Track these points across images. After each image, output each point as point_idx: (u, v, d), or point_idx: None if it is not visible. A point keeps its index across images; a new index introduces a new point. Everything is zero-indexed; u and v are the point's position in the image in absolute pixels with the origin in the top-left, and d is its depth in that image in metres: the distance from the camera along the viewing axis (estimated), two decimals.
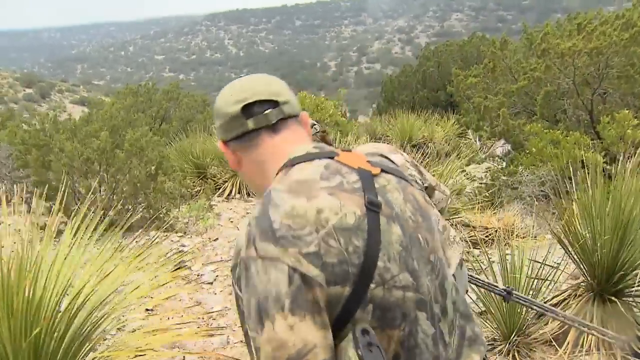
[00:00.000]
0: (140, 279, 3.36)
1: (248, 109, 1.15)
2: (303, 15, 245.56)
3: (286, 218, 0.99)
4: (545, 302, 3.63)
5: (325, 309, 0.96)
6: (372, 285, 0.98)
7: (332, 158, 1.11)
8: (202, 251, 5.98)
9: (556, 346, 3.39)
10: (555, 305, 3.57)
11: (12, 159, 6.89)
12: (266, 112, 1.15)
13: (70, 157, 6.58)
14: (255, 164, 1.18)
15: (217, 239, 6.45)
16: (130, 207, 7.08)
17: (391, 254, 1.02)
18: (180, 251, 5.94)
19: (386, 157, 1.23)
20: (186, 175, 9.71)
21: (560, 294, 3.73)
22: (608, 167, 5.17)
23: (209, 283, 5.06)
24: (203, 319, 4.40)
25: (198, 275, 5.25)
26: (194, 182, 9.57)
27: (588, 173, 3.59)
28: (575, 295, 3.57)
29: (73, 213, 6.13)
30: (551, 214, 6.12)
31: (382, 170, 1.13)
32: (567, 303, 3.55)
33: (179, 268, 5.44)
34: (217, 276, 5.19)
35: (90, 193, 6.38)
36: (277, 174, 1.13)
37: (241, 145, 1.18)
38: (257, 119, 1.15)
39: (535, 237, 5.72)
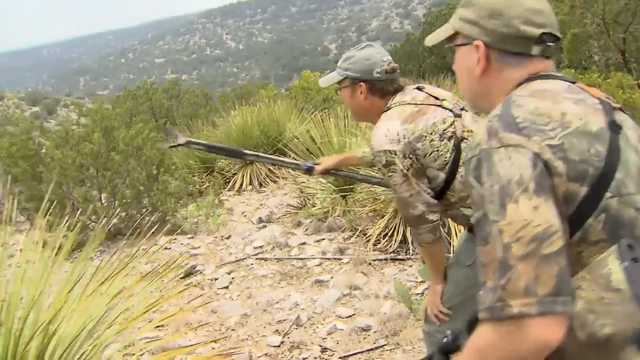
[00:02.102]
0: (135, 296, 2.78)
1: (542, 36, 1.12)
2: (298, 1, 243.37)
3: (530, 114, 1.01)
4: None
5: (562, 203, 0.95)
6: (608, 194, 0.97)
7: (573, 83, 1.12)
8: (214, 252, 5.41)
9: None
10: None
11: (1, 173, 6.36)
12: (550, 44, 1.14)
13: (62, 166, 6.04)
14: (504, 81, 1.15)
15: (229, 236, 5.88)
16: (134, 211, 6.53)
17: (629, 172, 1.01)
18: (190, 254, 5.38)
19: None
20: (193, 172, 9.18)
21: None
22: None
23: (224, 287, 4.49)
24: (220, 330, 3.83)
25: (212, 280, 4.68)
26: (201, 178, 9.04)
27: None
28: None
29: (64, 224, 5.56)
30: None
31: (621, 109, 1.12)
32: None
33: (189, 274, 4.89)
34: (232, 279, 4.61)
35: (85, 201, 5.85)
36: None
37: (509, 60, 1.15)
38: (543, 49, 1.13)
39: None
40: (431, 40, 1.38)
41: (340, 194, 5.70)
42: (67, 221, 6.04)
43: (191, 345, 3.51)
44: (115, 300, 2.87)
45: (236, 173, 8.91)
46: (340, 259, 4.61)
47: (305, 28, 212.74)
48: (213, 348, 3.61)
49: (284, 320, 3.77)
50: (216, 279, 4.66)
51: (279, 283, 4.41)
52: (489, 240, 0.94)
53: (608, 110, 1.06)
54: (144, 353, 3.57)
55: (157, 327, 4.02)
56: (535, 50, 1.13)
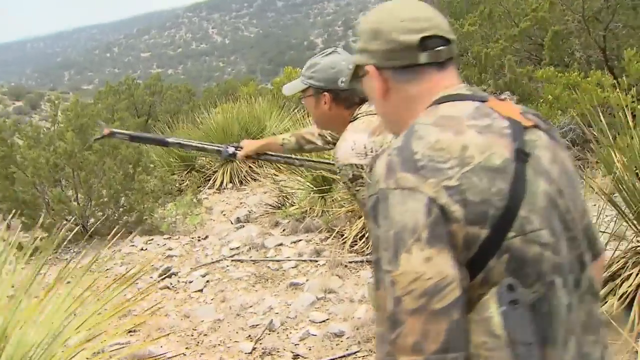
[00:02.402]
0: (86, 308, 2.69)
1: (425, 41, 1.07)
2: None
3: (429, 150, 0.95)
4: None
5: (461, 249, 0.91)
6: (511, 233, 0.92)
7: (483, 102, 1.06)
8: (190, 253, 5.33)
9: (618, 328, 2.73)
10: (612, 277, 2.91)
11: None
12: (439, 48, 1.08)
13: (35, 166, 5.91)
14: (406, 99, 1.11)
15: (207, 237, 5.79)
16: (111, 211, 6.42)
17: (535, 206, 0.96)
18: (166, 256, 5.29)
19: (540, 117, 1.12)
20: (173, 170, 9.07)
21: (612, 262, 3.07)
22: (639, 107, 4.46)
23: (198, 291, 4.41)
24: (192, 336, 3.75)
25: (186, 283, 4.60)
26: (181, 176, 8.94)
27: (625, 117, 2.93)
28: (635, 263, 2.90)
29: (38, 226, 5.44)
30: (577, 167, 5.44)
31: (535, 126, 1.06)
32: (627, 273, 2.88)
33: (164, 276, 4.80)
34: (207, 282, 4.53)
35: (59, 202, 5.73)
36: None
37: (401, 76, 1.10)
38: (431, 54, 1.08)
39: None
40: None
41: (319, 194, 5.63)
42: (41, 222, 5.94)
43: (161, 355, 3.41)
44: (86, 303, 2.79)
45: (216, 171, 8.82)
46: (317, 261, 4.55)
47: (291, 22, 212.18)
48: (184, 355, 3.54)
49: (257, 325, 3.70)
50: (191, 282, 4.57)
51: (253, 286, 4.34)
52: (382, 288, 0.92)
53: (518, 133, 1.00)
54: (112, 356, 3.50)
55: (129, 331, 3.94)
56: (423, 57, 1.07)
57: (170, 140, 2.61)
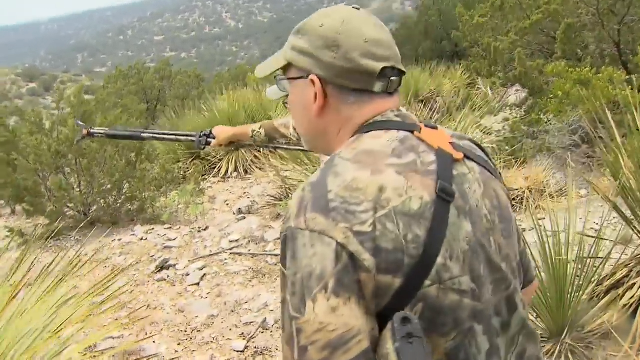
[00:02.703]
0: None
1: (383, 71, 1.00)
2: None
3: (343, 190, 0.88)
4: (601, 282, 2.88)
5: (372, 298, 0.84)
6: (427, 282, 0.86)
7: (412, 132, 0.99)
8: (189, 245, 5.27)
9: (619, 339, 2.63)
10: (616, 285, 2.81)
11: None
12: (393, 79, 1.02)
13: (36, 153, 5.86)
14: (340, 120, 1.04)
15: (207, 228, 5.73)
16: (112, 200, 6.37)
17: (455, 252, 0.89)
18: (165, 247, 5.24)
19: (476, 144, 1.11)
20: (178, 157, 9.01)
21: (616, 269, 2.96)
22: None
23: (195, 284, 4.35)
24: (186, 331, 3.70)
25: (183, 276, 4.54)
26: (186, 164, 8.88)
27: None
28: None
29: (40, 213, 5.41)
30: (585, 166, 5.31)
31: (466, 157, 1.00)
32: (631, 282, 2.77)
33: (161, 268, 4.75)
34: (204, 275, 4.47)
35: (60, 189, 5.69)
36: (351, 136, 1.03)
37: (347, 97, 1.02)
38: (385, 84, 1.01)
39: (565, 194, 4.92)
40: (262, 71, 1.18)
41: None
42: (42, 210, 5.90)
43: (153, 355, 3.36)
44: (80, 294, 2.74)
45: (222, 159, 8.76)
46: None
47: (305, 7, 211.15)
48: (176, 351, 3.48)
49: (251, 322, 3.64)
50: (188, 275, 4.51)
51: (250, 281, 4.28)
52: (286, 331, 0.86)
53: (443, 169, 0.93)
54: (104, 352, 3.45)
55: (123, 325, 3.90)
56: (378, 86, 1.01)
57: (144, 134, 2.53)
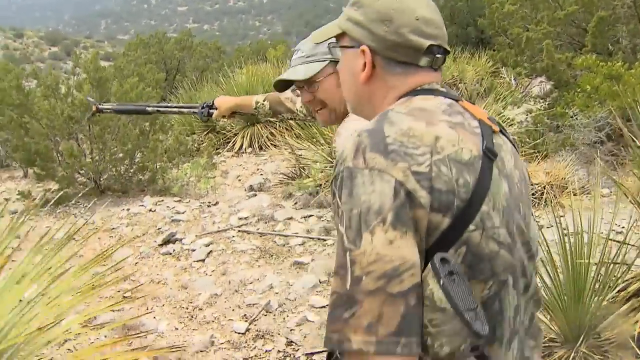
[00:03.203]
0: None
1: (430, 48, 1.05)
2: None
3: (401, 136, 0.93)
4: (624, 288, 2.74)
5: (424, 235, 0.90)
6: (472, 227, 0.92)
7: (457, 101, 1.06)
8: (198, 219, 5.18)
9: (637, 350, 2.50)
10: (637, 293, 2.67)
11: None
12: (439, 56, 1.07)
13: (49, 117, 5.78)
14: (386, 88, 1.09)
15: (217, 203, 5.64)
16: (124, 168, 6.30)
17: (496, 205, 0.96)
18: (173, 220, 5.16)
19: (502, 127, 1.13)
20: (194, 129, 8.92)
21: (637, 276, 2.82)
22: None
23: (200, 260, 4.27)
24: (187, 309, 3.62)
25: (189, 251, 4.46)
26: (201, 137, 8.78)
27: None
28: None
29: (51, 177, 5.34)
30: (609, 164, 5.12)
31: (501, 132, 1.09)
32: None
33: (167, 242, 4.67)
34: (210, 252, 4.39)
35: (71, 156, 5.62)
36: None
37: (394, 69, 1.07)
38: (430, 60, 1.06)
39: (587, 193, 4.76)
40: (317, 37, 1.26)
41: None
42: (53, 175, 5.84)
43: (152, 330, 3.29)
44: (82, 265, 2.66)
45: (237, 134, 8.65)
46: (325, 240, 4.37)
47: None
48: (176, 328, 3.41)
49: (254, 304, 3.55)
50: (193, 250, 4.43)
51: (257, 261, 4.18)
52: (338, 262, 0.90)
53: (486, 134, 1.01)
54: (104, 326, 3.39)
55: (125, 297, 3.83)
56: (423, 61, 1.07)
57: (149, 108, 2.46)
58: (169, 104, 2.49)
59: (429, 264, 0.89)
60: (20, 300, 2.44)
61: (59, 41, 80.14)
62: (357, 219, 0.89)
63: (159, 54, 15.26)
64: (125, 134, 6.12)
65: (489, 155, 0.98)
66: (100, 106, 2.47)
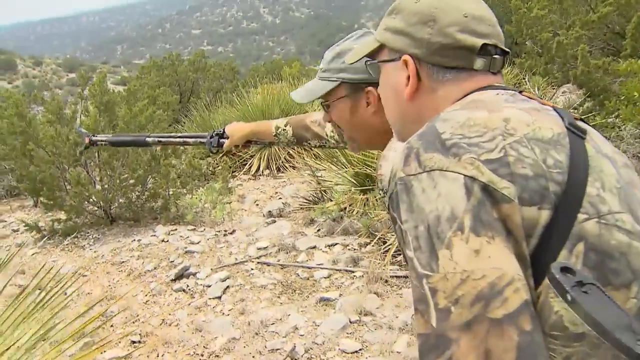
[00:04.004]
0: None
1: (485, 47, 0.91)
2: None
3: (459, 128, 0.78)
4: None
5: (522, 237, 0.70)
6: (582, 216, 0.72)
7: (520, 92, 0.91)
8: (213, 250, 4.80)
9: None
10: None
11: None
12: (496, 57, 0.92)
13: (54, 144, 5.47)
14: (438, 99, 0.93)
15: (233, 231, 5.26)
16: (135, 196, 5.95)
17: (606, 184, 0.76)
18: (187, 251, 4.78)
19: None
20: (208, 152, 8.59)
21: None
22: None
23: (216, 298, 3.87)
24: (202, 355, 3.22)
25: (204, 287, 4.07)
26: (215, 160, 8.45)
27: None
28: None
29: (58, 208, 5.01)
30: None
31: (582, 120, 0.88)
32: None
33: (181, 277, 4.28)
34: (227, 287, 3.99)
35: (77, 184, 5.28)
36: None
37: (443, 76, 0.92)
38: (487, 62, 0.92)
39: None
40: (352, 57, 1.10)
41: (360, 191, 5.02)
42: (61, 205, 5.51)
43: None
44: (87, 304, 2.32)
45: (253, 155, 8.31)
46: (353, 272, 3.95)
47: (342, 4, 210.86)
48: None
49: (277, 349, 3.13)
50: (209, 286, 4.04)
51: (278, 297, 3.78)
52: (415, 295, 0.70)
53: (565, 115, 0.83)
54: None
55: (133, 343, 3.45)
56: (479, 63, 0.91)
57: (149, 139, 2.11)
58: (172, 134, 2.17)
59: (545, 280, 0.68)
60: (18, 347, 2.19)
61: (76, 67, 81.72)
62: (426, 236, 0.71)
63: (172, 76, 15.14)
64: (136, 159, 5.78)
65: (576, 132, 0.80)
66: (93, 138, 2.24)
